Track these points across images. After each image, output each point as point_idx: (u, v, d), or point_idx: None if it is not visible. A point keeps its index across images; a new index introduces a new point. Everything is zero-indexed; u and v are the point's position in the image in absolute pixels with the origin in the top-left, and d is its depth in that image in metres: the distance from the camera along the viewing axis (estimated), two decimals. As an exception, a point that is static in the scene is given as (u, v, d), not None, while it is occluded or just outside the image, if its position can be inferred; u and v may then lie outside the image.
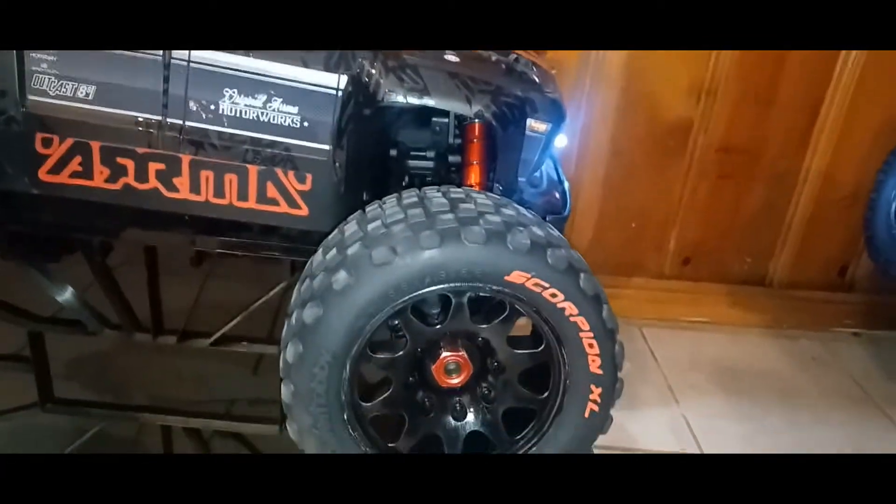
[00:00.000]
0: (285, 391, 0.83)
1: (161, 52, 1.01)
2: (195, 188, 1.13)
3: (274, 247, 1.20)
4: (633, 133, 2.18)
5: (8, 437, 1.40)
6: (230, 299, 1.28)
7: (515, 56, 1.21)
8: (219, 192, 1.14)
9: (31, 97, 1.03)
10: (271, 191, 1.14)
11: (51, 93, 1.03)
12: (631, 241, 2.32)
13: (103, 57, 1.01)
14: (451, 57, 1.11)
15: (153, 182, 1.13)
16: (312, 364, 0.81)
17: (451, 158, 1.18)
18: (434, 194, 0.89)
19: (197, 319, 1.27)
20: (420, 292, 0.80)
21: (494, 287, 0.81)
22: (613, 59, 2.06)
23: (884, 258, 1.94)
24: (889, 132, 2.14)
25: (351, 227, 0.89)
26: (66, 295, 1.25)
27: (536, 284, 0.80)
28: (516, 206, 0.88)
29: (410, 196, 0.91)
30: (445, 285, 0.80)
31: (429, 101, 1.04)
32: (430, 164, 1.20)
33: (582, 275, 0.82)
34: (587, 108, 2.12)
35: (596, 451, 1.52)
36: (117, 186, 1.13)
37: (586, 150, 2.17)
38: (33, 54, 1.01)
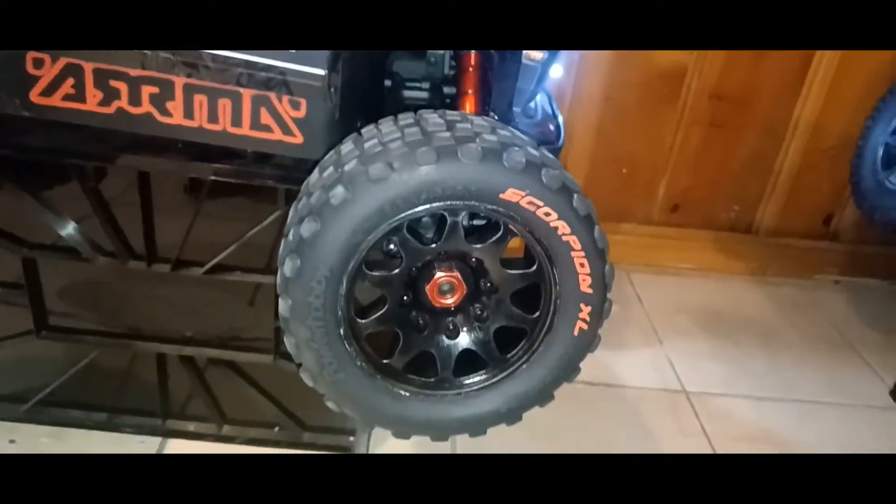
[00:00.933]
0: (283, 305, 0.85)
1: (153, -32, 0.99)
2: (189, 113, 1.13)
3: (267, 175, 1.20)
4: (626, 79, 2.17)
5: (2, 365, 1.42)
6: (224, 230, 1.28)
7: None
8: (212, 117, 1.13)
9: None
10: (265, 117, 1.13)
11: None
12: (621, 188, 2.34)
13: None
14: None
15: (146, 106, 1.12)
16: (310, 278, 0.82)
17: (446, 89, 1.18)
18: (431, 115, 0.90)
19: (191, 249, 1.28)
20: (416, 209, 0.81)
21: (489, 206, 0.82)
22: (609, 1, 2.04)
23: (868, 203, 1.97)
24: (879, 82, 2.15)
25: (347, 146, 0.89)
26: (60, 222, 1.25)
27: (531, 203, 0.82)
28: (512, 129, 0.89)
29: (407, 118, 0.91)
30: (440, 203, 0.81)
31: None
32: (424, 94, 1.20)
33: (575, 195, 0.84)
34: (580, 53, 2.10)
35: (582, 387, 1.57)
36: (110, 110, 1.12)
37: (579, 96, 2.17)
38: (22, -31, 0.98)
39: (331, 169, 0.86)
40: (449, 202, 0.82)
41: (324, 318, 0.84)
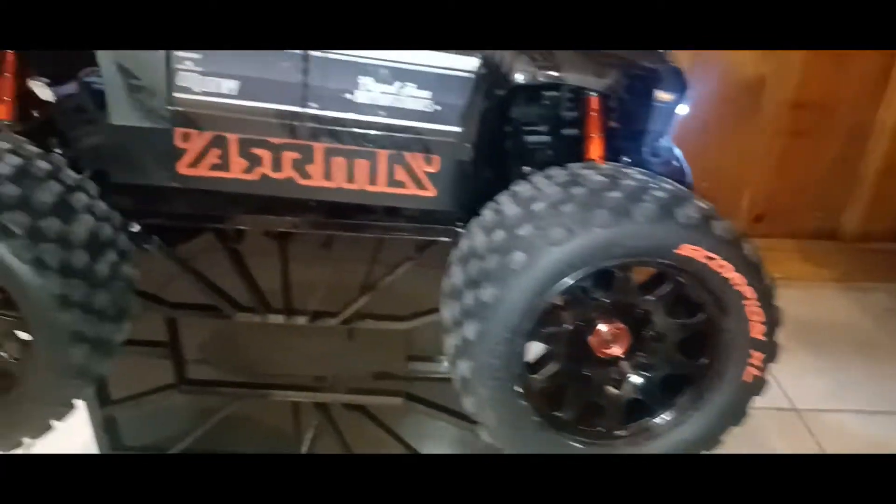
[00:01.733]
0: (464, 367, 0.88)
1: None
2: (328, 175, 1.17)
3: (400, 227, 1.24)
4: (706, 93, 2.16)
5: (146, 418, 1.49)
6: (355, 279, 1.32)
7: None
8: (350, 177, 1.18)
9: (176, 94, 1.07)
10: (400, 174, 1.18)
11: (196, 89, 1.07)
12: (704, 202, 2.32)
13: (246, 53, 1.04)
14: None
15: (288, 171, 1.17)
16: (493, 341, 0.85)
17: (567, 132, 1.20)
18: (587, 171, 0.92)
19: (324, 299, 1.32)
20: (592, 269, 0.83)
21: (663, 260, 0.84)
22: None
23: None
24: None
25: (510, 207, 0.92)
26: (200, 281, 1.30)
27: (705, 256, 0.83)
28: (670, 180, 0.90)
29: (561, 174, 0.94)
30: (616, 261, 0.84)
31: (561, 78, 1.06)
32: (547, 139, 1.22)
33: (744, 245, 0.85)
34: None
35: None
36: (254, 177, 1.17)
37: (659, 113, 2.17)
38: (179, 53, 1.04)
39: (501, 233, 0.89)
40: (623, 259, 0.84)
41: (503, 377, 0.87)
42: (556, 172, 0.96)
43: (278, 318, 1.33)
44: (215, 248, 1.31)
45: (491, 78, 1.07)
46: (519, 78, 1.05)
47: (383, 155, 1.16)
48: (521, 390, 0.90)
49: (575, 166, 0.98)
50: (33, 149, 0.96)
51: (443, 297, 0.99)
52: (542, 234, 0.84)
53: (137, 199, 1.18)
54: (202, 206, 1.22)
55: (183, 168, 1.16)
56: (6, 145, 0.92)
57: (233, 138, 1.14)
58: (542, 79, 1.06)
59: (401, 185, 1.18)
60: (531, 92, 1.10)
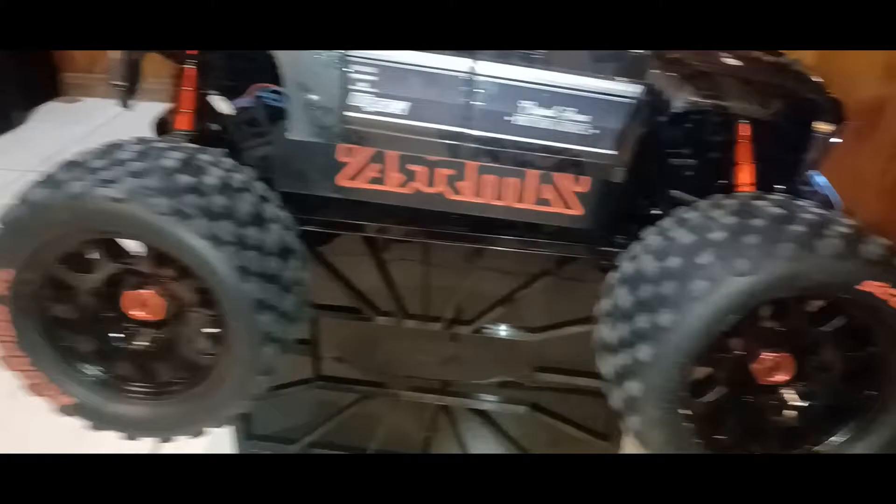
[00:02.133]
0: (633, 387, 0.91)
1: (468, 70, 1.09)
2: (478, 191, 1.22)
3: (542, 244, 1.28)
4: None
5: (279, 409, 1.58)
6: (490, 289, 1.37)
7: (782, 55, 1.23)
8: (499, 194, 1.22)
9: (348, 113, 1.13)
10: (548, 192, 1.22)
11: (367, 109, 1.13)
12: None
13: (419, 75, 1.10)
14: (730, 60, 1.14)
15: (440, 186, 1.23)
16: (668, 364, 0.88)
17: (717, 156, 1.22)
18: (759, 202, 0.94)
19: (459, 308, 1.38)
20: (771, 299, 0.85)
21: (842, 295, 0.85)
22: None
23: None
24: None
25: (682, 234, 0.95)
26: (345, 285, 1.38)
27: (885, 292, 0.84)
28: (844, 216, 0.91)
29: (732, 203, 0.96)
30: (796, 293, 0.85)
31: (723, 106, 1.08)
32: (699, 163, 1.24)
33: None
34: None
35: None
36: (407, 190, 1.24)
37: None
38: (354, 74, 1.10)
39: (676, 259, 0.92)
40: (803, 293, 0.85)
41: (674, 399, 0.90)
42: (726, 201, 0.98)
43: (414, 324, 1.39)
44: (360, 253, 1.38)
45: (652, 103, 1.10)
46: (681, 104, 1.08)
47: (533, 174, 1.20)
48: (687, 413, 0.92)
49: (743, 195, 1.00)
50: (230, 161, 1.04)
51: (604, 317, 1.02)
52: (726, 263, 0.86)
53: (295, 208, 1.25)
54: (354, 216, 1.30)
55: (342, 180, 1.24)
56: (209, 158, 1.00)
57: (393, 154, 1.20)
58: (705, 106, 1.08)
59: (547, 203, 1.22)
60: (688, 117, 1.12)
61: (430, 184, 1.23)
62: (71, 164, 0.93)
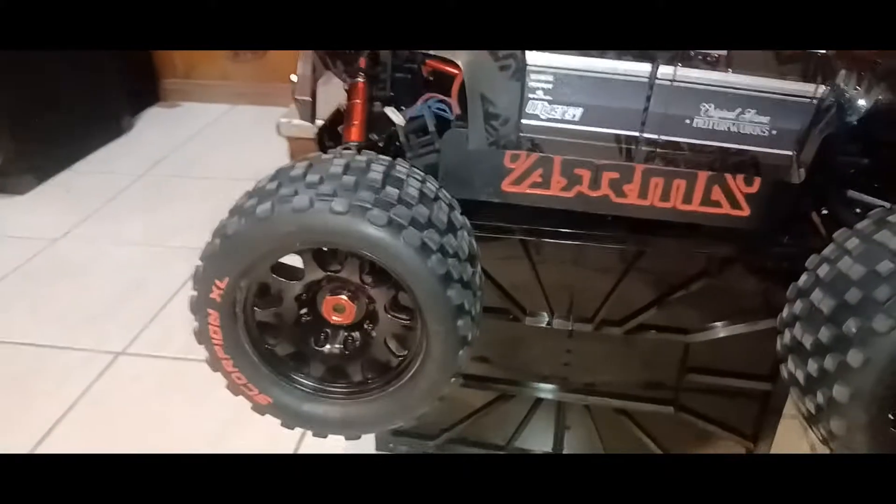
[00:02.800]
0: (841, 392, 0.91)
1: (648, 74, 1.09)
2: (643, 194, 1.23)
3: (705, 244, 1.27)
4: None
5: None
6: (641, 291, 1.38)
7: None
8: (665, 196, 1.22)
9: (524, 121, 1.15)
10: (716, 193, 1.21)
11: (542, 116, 1.15)
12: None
13: (594, 81, 1.11)
14: (920, 57, 1.11)
15: (605, 189, 1.24)
16: (881, 370, 0.88)
17: (885, 154, 1.19)
18: None
19: (608, 308, 1.39)
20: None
21: None
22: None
23: None
24: None
25: (888, 237, 0.93)
26: (495, 286, 1.40)
27: None
28: None
29: None
30: None
31: None
32: (867, 162, 1.22)
33: None
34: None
35: None
36: (570, 194, 1.25)
37: None
38: (532, 82, 1.12)
39: (889, 264, 0.91)
40: None
41: (885, 405, 0.90)
42: None
43: (565, 325, 1.41)
44: (510, 256, 1.40)
45: (836, 104, 1.08)
46: (868, 104, 1.06)
47: (703, 175, 1.20)
48: (893, 418, 0.92)
49: None
50: (420, 171, 1.08)
51: (801, 320, 1.01)
52: (951, 268, 0.85)
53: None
54: (514, 219, 1.32)
55: (506, 185, 1.26)
56: (404, 170, 1.04)
57: (558, 159, 1.22)
58: (893, 106, 1.06)
59: (716, 204, 1.22)
60: (873, 118, 1.10)
61: (595, 187, 1.24)
62: (286, 179, 0.98)
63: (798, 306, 1.03)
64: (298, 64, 1.19)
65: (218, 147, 3.12)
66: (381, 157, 1.06)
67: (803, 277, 1.05)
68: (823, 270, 1.01)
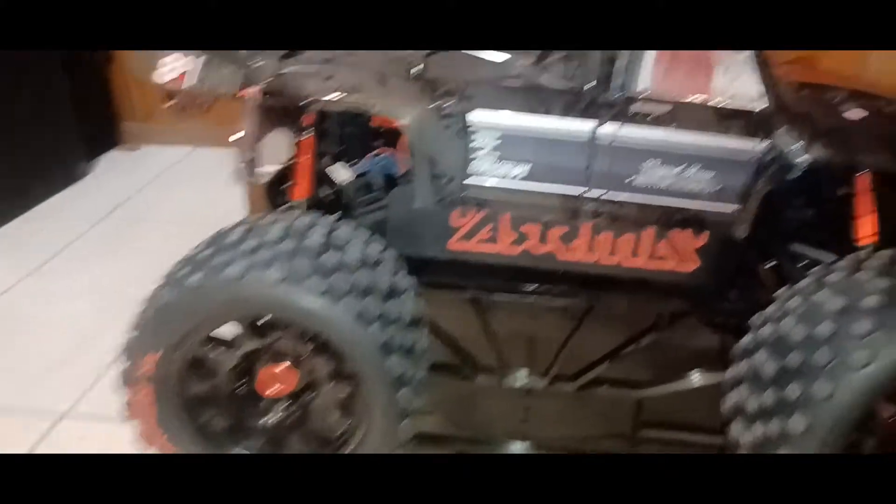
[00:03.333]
0: (799, 422, 0.89)
1: (591, 131, 1.10)
2: (590, 249, 1.22)
3: (653, 299, 1.27)
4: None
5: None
6: (594, 346, 1.37)
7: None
8: (612, 252, 1.22)
9: (470, 179, 1.15)
10: (663, 249, 1.21)
11: (488, 174, 1.14)
12: None
13: (539, 140, 1.11)
14: (855, 113, 1.14)
15: (552, 245, 1.23)
16: (825, 437, 0.87)
17: (834, 208, 1.21)
18: None
19: (565, 364, 1.37)
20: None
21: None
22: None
23: None
24: None
25: (826, 298, 0.94)
26: (446, 343, 1.38)
27: None
28: None
29: (875, 262, 0.95)
30: None
31: (859, 162, 1.07)
32: (817, 216, 1.23)
33: None
34: None
35: None
36: (517, 251, 1.24)
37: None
38: (475, 143, 1.12)
39: (829, 325, 0.91)
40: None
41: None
42: (870, 261, 0.97)
43: (517, 381, 1.39)
44: (462, 313, 1.38)
45: (776, 159, 1.10)
46: (813, 160, 1.07)
47: (649, 231, 1.20)
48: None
49: (885, 254, 0.99)
50: (365, 232, 1.05)
51: (740, 382, 1.01)
52: (887, 332, 0.85)
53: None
54: (464, 276, 1.31)
55: (455, 242, 1.25)
56: (347, 231, 1.02)
57: (505, 216, 1.21)
58: (837, 161, 1.07)
59: (663, 259, 1.22)
60: (812, 173, 1.12)
61: (543, 243, 1.23)
62: (221, 247, 0.95)
63: (743, 367, 1.03)
64: (244, 120, 1.17)
65: (177, 191, 3.04)
66: (324, 218, 1.04)
67: (747, 337, 1.05)
68: (766, 331, 1.01)
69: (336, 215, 1.08)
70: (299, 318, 0.92)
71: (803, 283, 1.01)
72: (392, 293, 0.98)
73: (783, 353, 0.94)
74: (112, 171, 3.42)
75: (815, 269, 1.02)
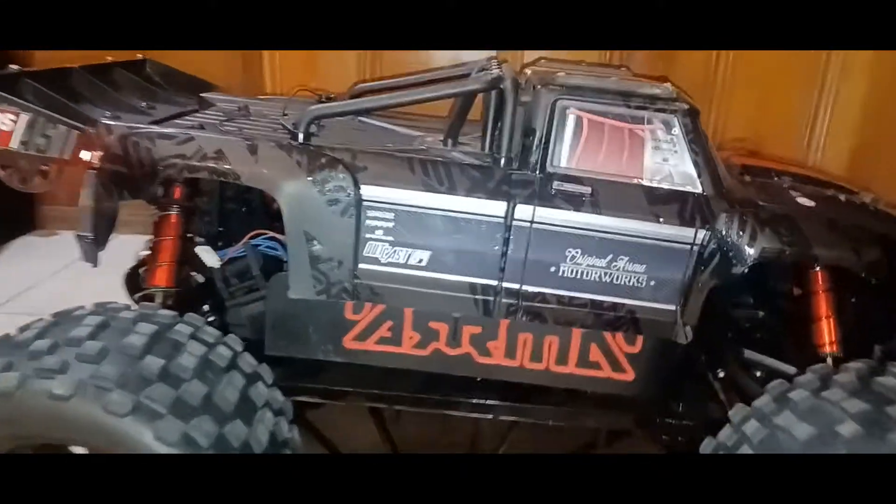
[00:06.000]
0: None
1: (503, 214, 0.93)
2: (510, 352, 1.03)
3: (588, 414, 1.06)
4: None
5: None
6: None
7: (854, 192, 1.10)
8: (536, 356, 1.03)
9: (362, 266, 0.95)
10: (594, 354, 1.02)
11: (383, 260, 0.95)
12: None
13: (443, 220, 0.93)
14: (804, 201, 1.00)
15: (466, 347, 1.03)
16: None
17: (787, 308, 1.05)
18: (879, 378, 0.75)
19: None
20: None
21: None
22: None
23: None
24: None
25: (792, 423, 0.74)
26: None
27: None
28: None
29: (846, 379, 0.77)
30: None
31: (813, 256, 0.92)
32: (758, 316, 1.07)
33: None
34: None
35: None
36: (425, 352, 1.03)
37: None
38: (370, 220, 0.93)
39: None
40: None
41: None
42: (840, 377, 0.79)
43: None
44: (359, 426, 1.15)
45: (716, 251, 0.93)
46: (756, 253, 0.91)
47: (576, 332, 1.01)
48: None
49: (856, 368, 0.81)
50: (214, 331, 0.84)
51: None
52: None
53: (290, 374, 1.04)
54: (362, 383, 1.08)
55: (350, 341, 1.03)
56: (187, 329, 0.80)
57: (408, 311, 1.01)
58: (786, 255, 0.91)
59: (595, 366, 1.03)
60: (763, 267, 0.96)
61: (455, 344, 1.03)
62: (5, 346, 0.72)
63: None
64: (81, 193, 0.97)
65: (87, 281, 2.79)
66: (161, 313, 0.82)
67: (724, 433, 0.84)
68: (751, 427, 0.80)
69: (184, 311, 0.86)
70: (96, 444, 0.68)
71: (761, 401, 0.81)
72: (241, 411, 0.76)
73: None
74: (20, 257, 3.14)
75: (773, 383, 0.83)
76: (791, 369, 0.99)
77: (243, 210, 1.14)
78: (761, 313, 1.07)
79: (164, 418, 0.69)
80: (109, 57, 1.22)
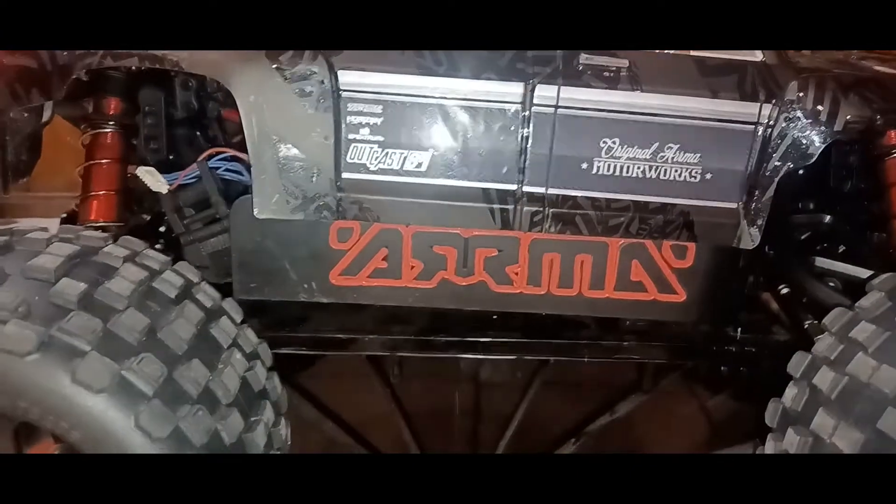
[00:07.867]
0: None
1: (520, 99, 0.74)
2: (534, 278, 0.84)
3: (633, 348, 0.89)
4: None
5: None
6: (552, 420, 0.96)
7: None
8: (566, 280, 0.84)
9: (346, 175, 0.76)
10: (637, 272, 0.84)
11: (371, 166, 0.76)
12: None
13: (445, 111, 0.74)
14: (884, 68, 0.82)
15: (480, 275, 0.84)
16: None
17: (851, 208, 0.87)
18: None
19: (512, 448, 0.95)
20: None
21: None
22: None
23: None
24: None
25: None
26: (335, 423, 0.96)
27: None
28: None
29: None
30: None
31: None
32: (824, 220, 0.89)
33: None
34: None
35: None
36: (431, 284, 0.85)
37: None
38: (354, 115, 0.74)
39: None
40: None
41: None
42: None
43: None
44: (357, 379, 0.96)
45: (788, 130, 0.75)
46: (845, 126, 0.73)
47: (614, 247, 0.83)
48: None
49: None
50: (161, 259, 0.64)
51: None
52: None
53: (267, 322, 0.86)
54: (358, 328, 0.89)
55: (336, 276, 0.84)
56: (121, 252, 0.60)
57: (408, 233, 0.82)
58: (882, 126, 0.74)
59: (638, 287, 0.85)
60: (846, 145, 0.78)
61: (466, 272, 0.85)
62: None
63: (791, 438, 0.64)
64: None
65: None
66: (86, 233, 0.63)
67: (791, 392, 0.67)
68: (824, 379, 0.62)
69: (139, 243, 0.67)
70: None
71: (868, 299, 0.64)
72: (199, 350, 0.57)
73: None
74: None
75: (887, 276, 0.66)
76: (868, 274, 0.82)
77: (198, 135, 0.93)
78: (827, 217, 0.89)
79: (86, 357, 0.49)
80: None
